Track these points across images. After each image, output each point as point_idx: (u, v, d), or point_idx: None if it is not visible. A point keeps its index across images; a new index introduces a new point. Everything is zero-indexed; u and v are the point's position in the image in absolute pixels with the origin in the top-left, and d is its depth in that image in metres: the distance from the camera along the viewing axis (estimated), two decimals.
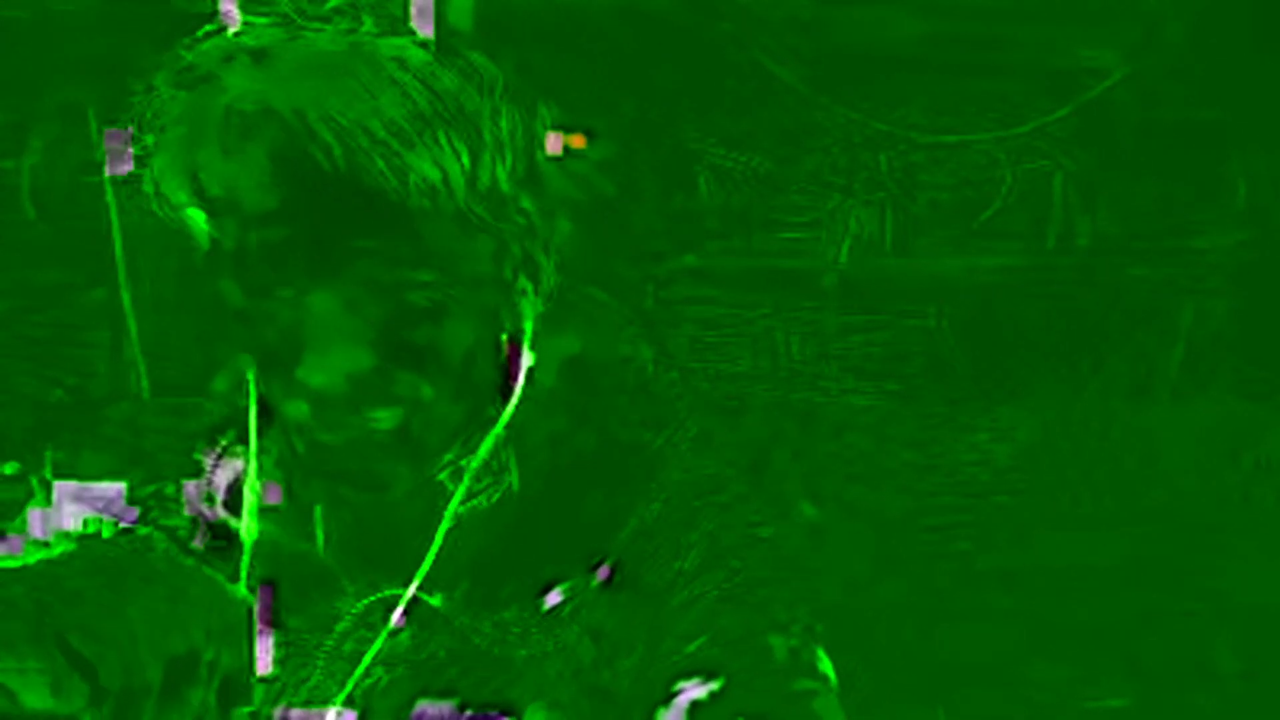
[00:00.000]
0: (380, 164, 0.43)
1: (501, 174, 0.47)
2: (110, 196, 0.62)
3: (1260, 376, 1.31)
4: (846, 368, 1.33)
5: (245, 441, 0.54)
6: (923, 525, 1.25)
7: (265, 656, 0.49)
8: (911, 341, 1.33)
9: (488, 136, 0.46)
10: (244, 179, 0.43)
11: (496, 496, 0.56)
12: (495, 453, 0.55)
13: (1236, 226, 1.36)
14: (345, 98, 0.42)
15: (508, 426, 0.56)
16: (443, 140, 0.44)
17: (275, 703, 0.50)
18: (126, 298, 1.34)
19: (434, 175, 0.44)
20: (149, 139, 0.46)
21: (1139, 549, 1.26)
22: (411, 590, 0.51)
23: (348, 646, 0.52)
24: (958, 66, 1.48)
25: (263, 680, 0.49)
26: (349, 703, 0.49)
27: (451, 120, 0.45)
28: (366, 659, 0.50)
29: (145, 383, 0.70)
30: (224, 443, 0.57)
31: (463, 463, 0.53)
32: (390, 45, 0.45)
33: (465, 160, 0.45)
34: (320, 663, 0.51)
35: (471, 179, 0.46)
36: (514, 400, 0.54)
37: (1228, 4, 1.34)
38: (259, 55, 0.44)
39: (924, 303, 1.37)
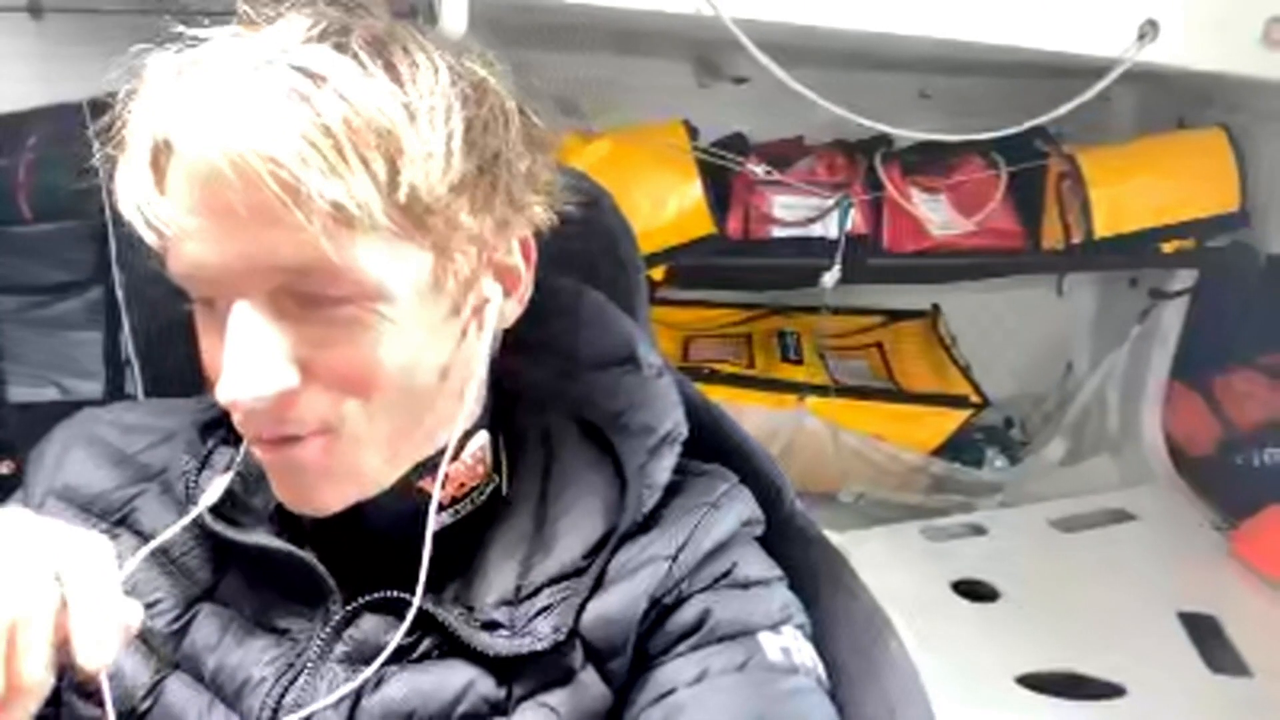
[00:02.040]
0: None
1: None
2: (105, 194, 0.62)
3: None
4: None
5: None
6: None
7: None
8: None
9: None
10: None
11: (483, 499, 0.55)
12: (482, 455, 0.54)
13: None
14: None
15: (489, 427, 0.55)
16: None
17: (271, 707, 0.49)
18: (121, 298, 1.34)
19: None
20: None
21: None
22: (418, 599, 0.50)
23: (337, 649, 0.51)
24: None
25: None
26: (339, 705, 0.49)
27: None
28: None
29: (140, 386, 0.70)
30: None
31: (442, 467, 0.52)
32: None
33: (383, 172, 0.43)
34: (309, 665, 0.50)
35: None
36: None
37: None
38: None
39: None
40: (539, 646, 0.49)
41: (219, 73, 0.44)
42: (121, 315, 1.35)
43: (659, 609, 0.51)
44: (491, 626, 0.50)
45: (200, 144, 0.42)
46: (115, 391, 1.38)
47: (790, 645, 0.51)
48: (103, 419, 0.61)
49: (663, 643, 0.51)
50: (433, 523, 0.51)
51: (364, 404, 0.47)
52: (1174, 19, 1.32)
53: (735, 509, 0.56)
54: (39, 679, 0.37)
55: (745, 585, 0.53)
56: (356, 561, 0.53)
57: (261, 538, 0.53)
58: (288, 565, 0.52)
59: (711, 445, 0.61)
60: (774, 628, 0.52)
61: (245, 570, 0.54)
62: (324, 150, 0.42)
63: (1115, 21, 1.32)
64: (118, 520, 0.56)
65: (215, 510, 0.54)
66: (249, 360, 0.44)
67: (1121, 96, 1.89)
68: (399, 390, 0.48)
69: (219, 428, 0.58)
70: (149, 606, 0.52)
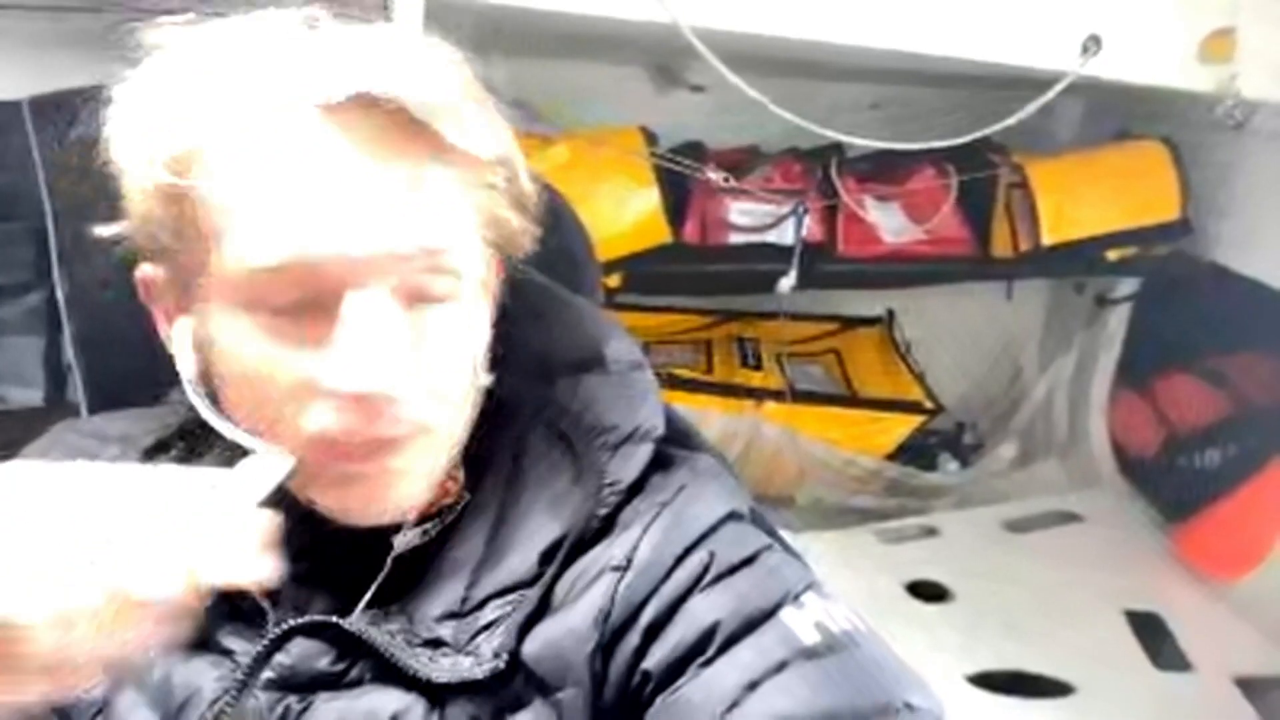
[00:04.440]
0: None
1: None
2: (45, 194, 0.60)
3: None
4: None
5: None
6: None
7: None
8: None
9: None
10: None
11: (453, 517, 0.52)
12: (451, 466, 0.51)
13: None
14: None
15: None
16: None
17: None
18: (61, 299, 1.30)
19: None
20: None
21: None
22: (355, 619, 0.47)
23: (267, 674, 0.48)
24: None
25: None
26: None
27: None
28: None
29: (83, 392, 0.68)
30: None
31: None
32: None
33: None
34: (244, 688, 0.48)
35: None
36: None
37: None
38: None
39: None
40: (477, 673, 0.46)
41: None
42: (62, 321, 1.31)
43: (633, 628, 0.47)
44: (435, 644, 0.47)
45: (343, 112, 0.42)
46: (55, 399, 1.34)
47: (820, 616, 0.46)
48: (73, 428, 0.59)
49: (670, 666, 0.45)
50: (408, 539, 0.50)
51: (446, 402, 0.47)
52: (1115, 34, 1.35)
53: (701, 505, 0.51)
54: (169, 594, 0.35)
55: (733, 570, 0.48)
56: (316, 581, 0.50)
57: None
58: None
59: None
60: (794, 600, 0.47)
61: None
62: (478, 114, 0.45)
63: (1059, 36, 1.35)
64: None
65: None
66: (375, 355, 0.42)
67: (1066, 107, 1.94)
68: (462, 388, 0.48)
69: (163, 451, 0.55)
70: None
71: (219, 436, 0.50)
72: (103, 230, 0.48)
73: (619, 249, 1.55)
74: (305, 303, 0.43)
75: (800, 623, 0.45)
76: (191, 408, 0.49)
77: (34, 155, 0.66)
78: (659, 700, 0.45)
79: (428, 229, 0.44)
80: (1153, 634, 1.56)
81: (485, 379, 0.51)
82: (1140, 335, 2.01)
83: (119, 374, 0.63)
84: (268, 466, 0.43)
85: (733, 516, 0.51)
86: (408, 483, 0.47)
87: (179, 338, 0.49)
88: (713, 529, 0.50)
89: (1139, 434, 1.99)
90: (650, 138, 1.60)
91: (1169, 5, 1.38)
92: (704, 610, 0.46)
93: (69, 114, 0.63)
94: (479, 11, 1.17)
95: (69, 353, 1.38)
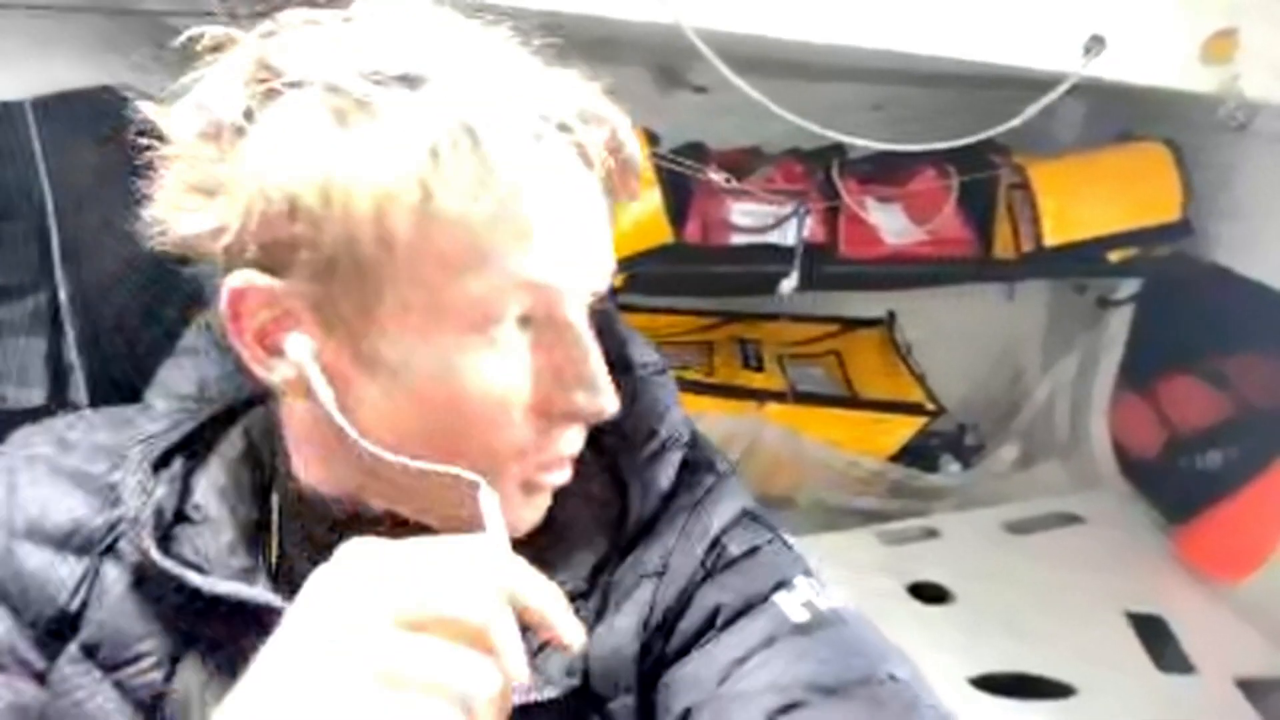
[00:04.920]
0: None
1: None
2: (47, 194, 0.60)
3: None
4: None
5: None
6: None
7: None
8: None
9: None
10: None
11: None
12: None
13: None
14: None
15: None
16: None
17: None
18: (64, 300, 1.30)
19: None
20: None
21: None
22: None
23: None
24: None
25: None
26: None
27: None
28: None
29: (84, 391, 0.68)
30: None
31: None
32: None
33: None
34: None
35: None
36: None
37: None
38: None
39: None
40: (551, 694, 0.46)
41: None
42: (64, 321, 1.31)
43: (664, 627, 0.49)
44: None
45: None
46: (58, 400, 1.34)
47: (809, 596, 0.49)
48: (38, 438, 0.53)
49: (678, 649, 0.48)
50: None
51: None
52: (1118, 35, 1.35)
53: (722, 505, 0.53)
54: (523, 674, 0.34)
55: (735, 561, 0.50)
56: None
57: (230, 586, 0.47)
58: (265, 612, 0.46)
59: None
60: (785, 584, 0.49)
61: (225, 617, 0.47)
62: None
63: (1061, 36, 1.35)
64: (104, 550, 0.49)
65: (178, 553, 0.48)
66: (606, 372, 0.45)
67: (1068, 108, 1.93)
68: None
69: (164, 466, 0.51)
70: (135, 660, 0.47)
71: (220, 446, 0.51)
72: (195, 226, 0.43)
73: (620, 249, 1.51)
74: (528, 326, 0.44)
75: (790, 604, 0.48)
76: (188, 416, 0.50)
77: (36, 155, 0.66)
78: (664, 676, 0.47)
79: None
80: (1155, 635, 1.55)
81: None
82: (1142, 336, 2.01)
83: (119, 374, 0.63)
84: (487, 497, 0.41)
85: (745, 514, 0.53)
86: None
87: (301, 357, 0.43)
88: (727, 528, 0.52)
89: (1141, 435, 1.99)
90: (652, 138, 1.60)
91: (1171, 6, 1.38)
92: (710, 597, 0.49)
93: (70, 114, 0.63)
94: (479, 12, 1.17)
95: (70, 353, 1.39)
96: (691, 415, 0.64)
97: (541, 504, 0.48)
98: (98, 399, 0.68)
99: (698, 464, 0.55)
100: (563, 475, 0.47)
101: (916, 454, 1.98)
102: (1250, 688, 1.45)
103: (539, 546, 0.49)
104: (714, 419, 1.73)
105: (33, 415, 0.59)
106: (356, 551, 0.35)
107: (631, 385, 0.55)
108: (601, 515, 0.51)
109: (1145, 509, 1.90)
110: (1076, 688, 1.42)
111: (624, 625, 0.48)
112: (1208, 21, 1.39)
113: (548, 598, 0.36)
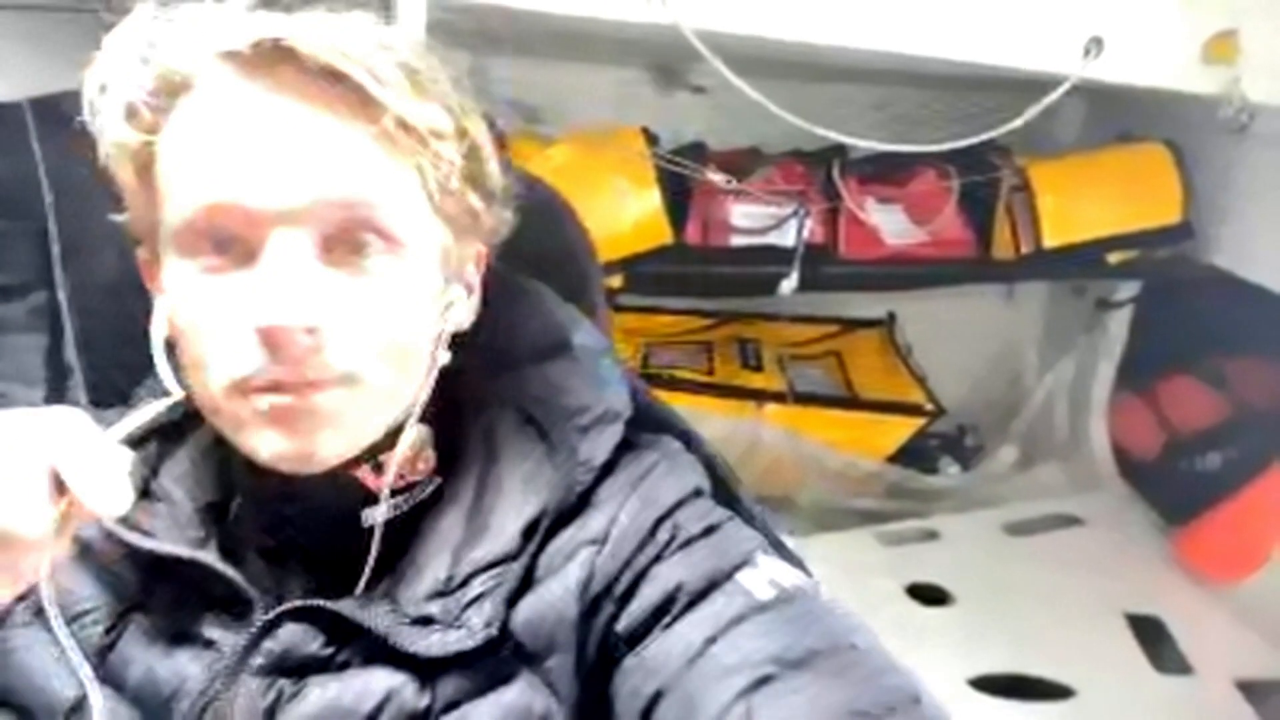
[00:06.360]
0: None
1: None
2: (46, 194, 0.60)
3: None
4: None
5: None
6: None
7: None
8: None
9: None
10: None
11: (424, 495, 0.54)
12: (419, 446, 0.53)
13: None
14: None
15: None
16: None
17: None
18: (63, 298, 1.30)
19: None
20: None
21: None
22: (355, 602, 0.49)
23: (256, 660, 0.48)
24: None
25: None
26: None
27: None
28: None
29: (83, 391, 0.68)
30: None
31: (381, 458, 0.51)
32: None
33: None
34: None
35: None
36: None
37: None
38: None
39: None
40: (469, 643, 0.47)
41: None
42: (64, 320, 1.31)
43: (609, 598, 0.50)
44: (424, 621, 0.49)
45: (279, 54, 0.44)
46: (57, 398, 1.34)
47: (774, 574, 0.50)
48: None
49: (637, 628, 0.49)
50: (383, 510, 0.51)
51: (380, 358, 0.48)
52: (1118, 36, 1.35)
53: (670, 480, 0.54)
54: (41, 533, 0.37)
55: (693, 540, 0.51)
56: (292, 566, 0.52)
57: (173, 546, 0.51)
58: (210, 573, 0.50)
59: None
60: (748, 562, 0.50)
61: (174, 579, 0.51)
62: (404, 78, 0.46)
63: (1061, 38, 1.35)
64: None
65: (134, 523, 0.51)
66: (294, 287, 0.44)
67: (1068, 109, 1.93)
68: (404, 351, 0.49)
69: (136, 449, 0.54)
70: (80, 616, 0.51)
71: (192, 432, 0.53)
72: (113, 217, 0.50)
73: (620, 250, 1.55)
74: (236, 249, 0.45)
75: (755, 581, 0.49)
76: (169, 407, 0.50)
77: (35, 155, 0.66)
78: (627, 659, 0.49)
79: (351, 180, 0.46)
80: (1153, 637, 1.55)
81: (444, 356, 0.52)
82: (1141, 338, 2.01)
83: (119, 373, 0.63)
84: (157, 405, 0.45)
85: (698, 493, 0.55)
86: (335, 429, 0.48)
87: (158, 307, 0.49)
88: (679, 504, 0.53)
89: (1140, 437, 1.99)
90: (652, 139, 1.60)
91: (1172, 7, 1.38)
92: (668, 575, 0.50)
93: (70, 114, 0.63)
94: (481, 13, 1.17)
95: (70, 353, 1.38)
96: (691, 415, 0.65)
97: (291, 429, 0.47)
98: (98, 399, 0.69)
99: (644, 442, 0.57)
100: (302, 400, 0.46)
101: (916, 455, 1.98)
102: (1249, 689, 1.45)
103: (467, 505, 0.52)
104: (713, 419, 1.73)
105: None
106: None
107: (568, 365, 0.58)
108: (533, 484, 0.53)
109: (1144, 510, 1.90)
110: (1075, 689, 1.42)
111: (559, 589, 0.50)
112: (1208, 22, 1.39)
113: (85, 475, 0.38)
